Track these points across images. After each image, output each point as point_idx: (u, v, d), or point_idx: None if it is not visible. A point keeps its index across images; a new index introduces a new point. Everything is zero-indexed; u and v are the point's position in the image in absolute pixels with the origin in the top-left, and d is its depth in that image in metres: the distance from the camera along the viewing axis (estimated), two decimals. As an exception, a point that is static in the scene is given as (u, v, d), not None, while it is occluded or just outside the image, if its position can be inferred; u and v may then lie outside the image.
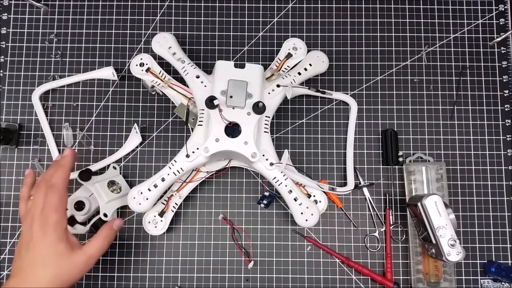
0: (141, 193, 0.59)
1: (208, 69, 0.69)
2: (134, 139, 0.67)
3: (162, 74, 0.65)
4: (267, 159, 0.60)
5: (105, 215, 0.62)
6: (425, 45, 0.71)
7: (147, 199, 0.59)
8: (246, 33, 0.71)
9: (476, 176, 0.68)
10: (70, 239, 0.54)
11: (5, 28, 0.71)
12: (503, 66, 0.70)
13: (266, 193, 0.65)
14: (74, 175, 0.65)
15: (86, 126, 0.68)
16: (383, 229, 0.66)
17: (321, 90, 0.68)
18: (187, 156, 0.59)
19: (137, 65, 0.64)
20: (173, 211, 0.63)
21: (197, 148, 0.59)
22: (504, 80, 0.70)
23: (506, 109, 0.69)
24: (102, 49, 0.70)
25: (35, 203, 0.53)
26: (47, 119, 0.68)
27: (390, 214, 0.66)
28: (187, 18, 0.71)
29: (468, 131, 0.69)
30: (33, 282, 0.50)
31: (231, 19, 0.71)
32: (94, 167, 0.67)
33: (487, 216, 0.67)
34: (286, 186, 0.60)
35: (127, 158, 0.68)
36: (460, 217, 0.66)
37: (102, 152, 0.68)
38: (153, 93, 0.69)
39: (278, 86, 0.63)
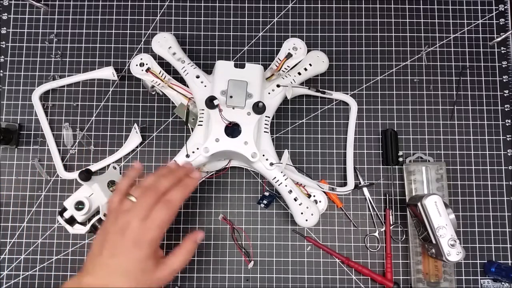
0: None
1: (208, 69, 0.69)
2: (134, 139, 0.67)
3: (162, 74, 0.65)
4: (267, 159, 0.60)
5: (105, 215, 0.62)
6: (425, 45, 0.71)
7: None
8: (246, 33, 0.71)
9: (476, 176, 0.68)
10: (158, 253, 0.50)
11: (5, 28, 0.71)
12: (503, 66, 0.70)
13: (266, 193, 0.65)
14: (74, 175, 0.65)
15: (86, 126, 0.68)
16: (383, 229, 0.66)
17: (321, 90, 0.68)
18: (187, 156, 0.59)
19: (137, 65, 0.64)
20: (173, 211, 0.63)
21: (197, 148, 0.59)
22: (504, 80, 0.70)
23: (506, 109, 0.69)
24: (102, 49, 0.70)
25: (136, 209, 0.49)
26: (47, 119, 0.68)
27: (390, 214, 0.66)
28: (187, 18, 0.71)
29: (468, 131, 0.69)
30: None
31: (231, 19, 0.71)
32: (94, 167, 0.67)
33: (487, 216, 0.67)
34: (286, 186, 0.60)
35: (127, 158, 0.68)
36: (460, 217, 0.66)
37: (102, 152, 0.68)
38: (153, 93, 0.69)
39: (278, 86, 0.63)
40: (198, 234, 0.53)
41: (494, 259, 0.66)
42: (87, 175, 0.62)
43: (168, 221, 0.49)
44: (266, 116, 0.61)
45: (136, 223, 0.48)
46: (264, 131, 0.61)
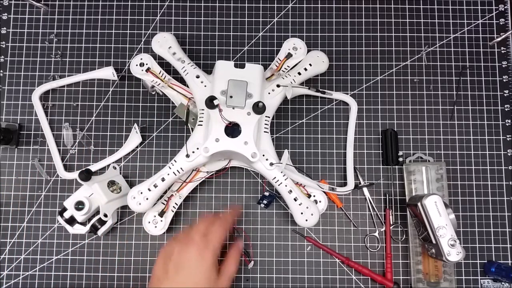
0: (141, 193, 0.59)
1: (208, 69, 0.69)
2: (134, 139, 0.67)
3: (162, 74, 0.65)
4: (267, 159, 0.60)
5: (105, 215, 0.62)
6: (425, 45, 0.71)
7: (147, 199, 0.59)
8: (246, 33, 0.71)
9: (476, 176, 0.68)
10: (217, 264, 0.54)
11: (5, 28, 0.71)
12: (503, 66, 0.70)
13: (266, 193, 0.65)
14: (74, 175, 0.65)
15: (86, 126, 0.68)
16: (383, 229, 0.66)
17: (321, 90, 0.68)
18: (187, 156, 0.59)
19: (137, 65, 0.64)
20: (173, 211, 0.63)
21: (197, 148, 0.59)
22: (504, 80, 0.70)
23: (506, 109, 0.69)
24: (102, 49, 0.70)
25: (197, 227, 0.55)
26: (47, 119, 0.68)
27: (390, 214, 0.66)
28: (187, 18, 0.71)
29: (468, 131, 0.69)
30: None
31: (231, 19, 0.71)
32: (94, 167, 0.67)
33: (487, 216, 0.67)
34: (286, 186, 0.60)
35: (127, 158, 0.68)
36: (460, 217, 0.66)
37: (102, 152, 0.68)
38: (153, 93, 0.69)
39: (278, 86, 0.63)
40: (239, 244, 0.59)
41: (494, 259, 0.66)
42: (87, 175, 0.62)
43: (224, 237, 0.55)
44: (266, 116, 0.61)
45: (198, 237, 0.53)
46: (264, 131, 0.61)
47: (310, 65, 0.66)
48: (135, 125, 0.66)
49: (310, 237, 0.66)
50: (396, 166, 0.67)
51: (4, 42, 0.70)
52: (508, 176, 0.68)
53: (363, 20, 0.71)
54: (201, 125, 0.60)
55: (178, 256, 0.52)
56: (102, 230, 0.62)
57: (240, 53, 0.71)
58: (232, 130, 0.58)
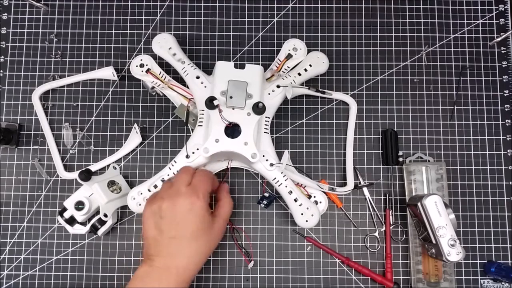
0: (141, 193, 0.60)
1: (208, 70, 0.69)
2: (134, 139, 0.67)
3: (162, 75, 0.65)
4: (267, 160, 0.60)
5: (105, 215, 0.62)
6: (425, 45, 0.71)
7: (146, 199, 0.59)
8: (246, 33, 0.71)
9: (476, 176, 0.68)
10: (209, 210, 0.55)
11: (5, 28, 0.71)
12: (503, 66, 0.70)
13: (266, 194, 0.65)
14: (74, 175, 0.65)
15: (86, 126, 0.68)
16: (383, 229, 0.66)
17: (321, 90, 0.68)
18: (187, 156, 0.59)
19: (137, 66, 0.64)
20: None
21: (197, 149, 0.59)
22: (504, 80, 0.70)
23: (506, 109, 0.69)
24: (102, 49, 0.70)
25: (180, 179, 0.55)
26: (47, 119, 0.68)
27: (390, 214, 0.66)
28: (187, 18, 0.71)
29: (468, 131, 0.69)
30: (182, 256, 0.52)
31: (231, 19, 0.71)
32: (94, 167, 0.67)
33: (487, 216, 0.67)
34: (286, 186, 0.60)
35: (127, 158, 0.68)
36: (460, 217, 0.66)
37: (102, 152, 0.68)
38: (153, 93, 0.69)
39: (278, 86, 0.63)
40: (224, 184, 0.61)
41: (494, 259, 0.66)
42: (87, 175, 0.62)
43: (210, 183, 0.55)
44: (266, 117, 0.61)
45: (185, 188, 0.53)
46: (264, 132, 0.61)
47: (310, 65, 0.66)
48: (135, 125, 0.66)
49: (310, 237, 0.66)
50: (396, 166, 0.67)
51: (4, 42, 0.70)
52: (508, 176, 0.68)
53: (363, 20, 0.71)
54: (201, 125, 0.60)
55: (169, 211, 0.52)
56: (102, 230, 0.62)
57: (240, 53, 0.70)
58: (232, 130, 0.58)
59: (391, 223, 0.66)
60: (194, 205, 0.52)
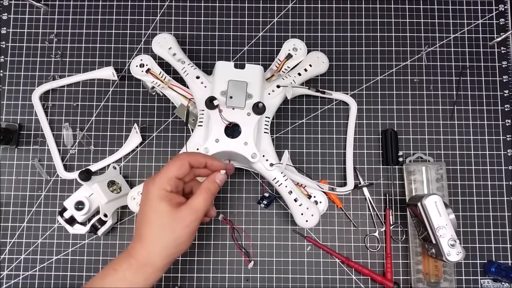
0: (141, 193, 0.59)
1: (208, 70, 0.69)
2: (134, 139, 0.67)
3: (162, 75, 0.65)
4: (267, 160, 0.60)
5: (105, 215, 0.62)
6: (425, 45, 0.71)
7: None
8: (246, 33, 0.71)
9: (476, 176, 0.68)
10: (177, 199, 0.51)
11: (5, 28, 0.71)
12: (503, 66, 0.70)
13: (266, 194, 0.65)
14: (74, 175, 0.65)
15: (86, 126, 0.68)
16: (383, 229, 0.66)
17: (321, 90, 0.68)
18: (187, 156, 0.59)
19: (137, 66, 0.64)
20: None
21: (197, 149, 0.59)
22: (504, 80, 0.70)
23: (506, 109, 0.69)
24: (102, 49, 0.70)
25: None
26: (47, 119, 0.68)
27: (390, 214, 0.66)
28: (187, 18, 0.71)
29: (468, 131, 0.69)
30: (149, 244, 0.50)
31: (231, 19, 0.71)
32: (94, 167, 0.67)
33: (487, 216, 0.67)
34: (286, 187, 0.60)
35: (127, 158, 0.68)
36: (460, 217, 0.66)
37: (102, 152, 0.68)
38: (153, 93, 0.69)
39: (278, 86, 0.63)
40: (217, 175, 0.53)
41: (494, 259, 0.66)
42: (87, 175, 0.62)
43: (174, 170, 0.50)
44: (266, 117, 0.61)
45: (149, 182, 0.51)
46: (264, 132, 0.61)
47: (310, 66, 0.66)
48: (135, 125, 0.66)
49: (310, 237, 0.66)
50: (396, 166, 0.67)
51: (4, 42, 0.70)
52: (508, 176, 0.68)
53: (363, 20, 0.71)
54: (201, 125, 0.60)
55: (141, 209, 0.51)
56: (102, 230, 0.62)
57: (240, 53, 0.70)
58: (232, 130, 0.59)
59: (391, 223, 0.66)
60: (147, 191, 0.50)
